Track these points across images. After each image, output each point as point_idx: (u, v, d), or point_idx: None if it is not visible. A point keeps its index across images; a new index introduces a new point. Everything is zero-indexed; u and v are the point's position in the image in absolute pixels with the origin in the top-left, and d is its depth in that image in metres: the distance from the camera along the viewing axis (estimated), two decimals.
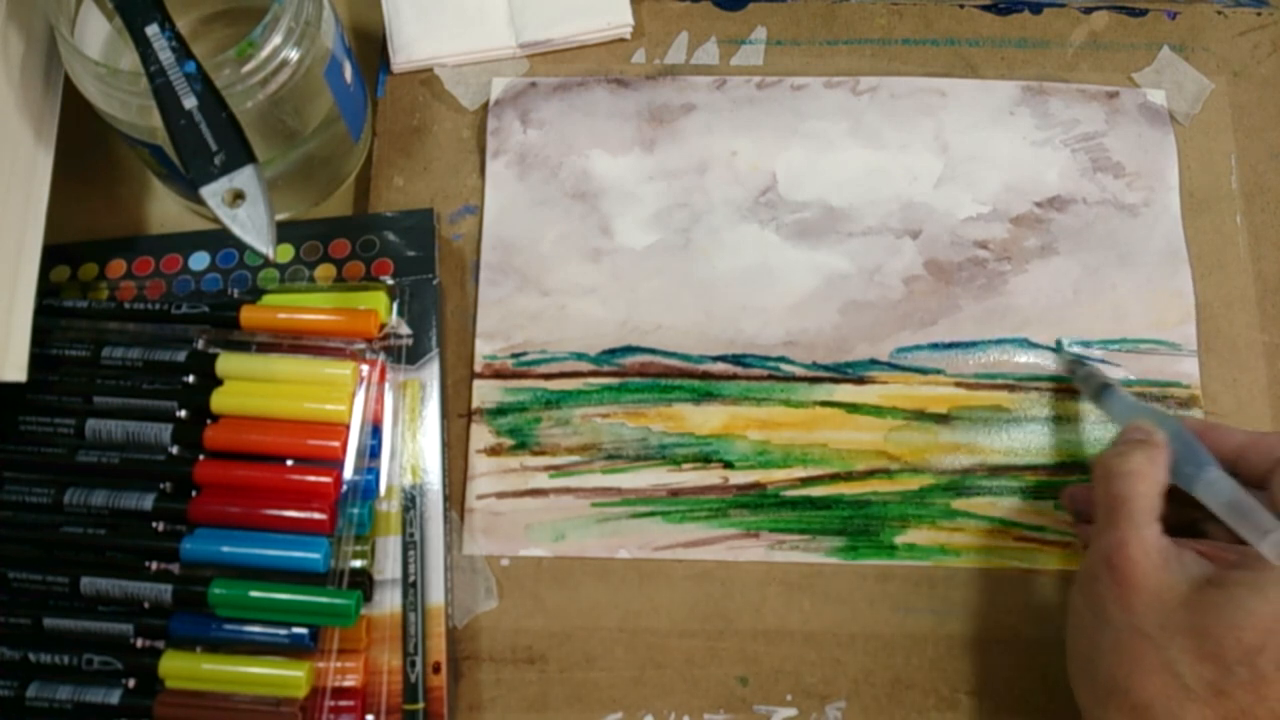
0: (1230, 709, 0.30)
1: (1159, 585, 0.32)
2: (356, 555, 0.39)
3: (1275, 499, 0.34)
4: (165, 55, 0.35)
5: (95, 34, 0.42)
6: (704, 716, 0.40)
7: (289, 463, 0.40)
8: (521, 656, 0.41)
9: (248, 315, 0.42)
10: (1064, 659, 0.40)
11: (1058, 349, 0.44)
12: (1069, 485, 0.42)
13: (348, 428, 0.40)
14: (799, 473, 0.43)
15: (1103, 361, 0.44)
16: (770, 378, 0.44)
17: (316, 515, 0.39)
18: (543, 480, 0.43)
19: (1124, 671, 0.32)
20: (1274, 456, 0.35)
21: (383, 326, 0.43)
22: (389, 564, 0.40)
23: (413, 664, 0.39)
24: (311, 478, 0.39)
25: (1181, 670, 0.31)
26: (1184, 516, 0.36)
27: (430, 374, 0.43)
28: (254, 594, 0.38)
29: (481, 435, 0.43)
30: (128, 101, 0.38)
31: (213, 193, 0.35)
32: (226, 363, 0.41)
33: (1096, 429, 0.43)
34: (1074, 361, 0.43)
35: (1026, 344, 0.44)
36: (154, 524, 0.39)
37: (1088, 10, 0.49)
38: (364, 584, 0.39)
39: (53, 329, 0.43)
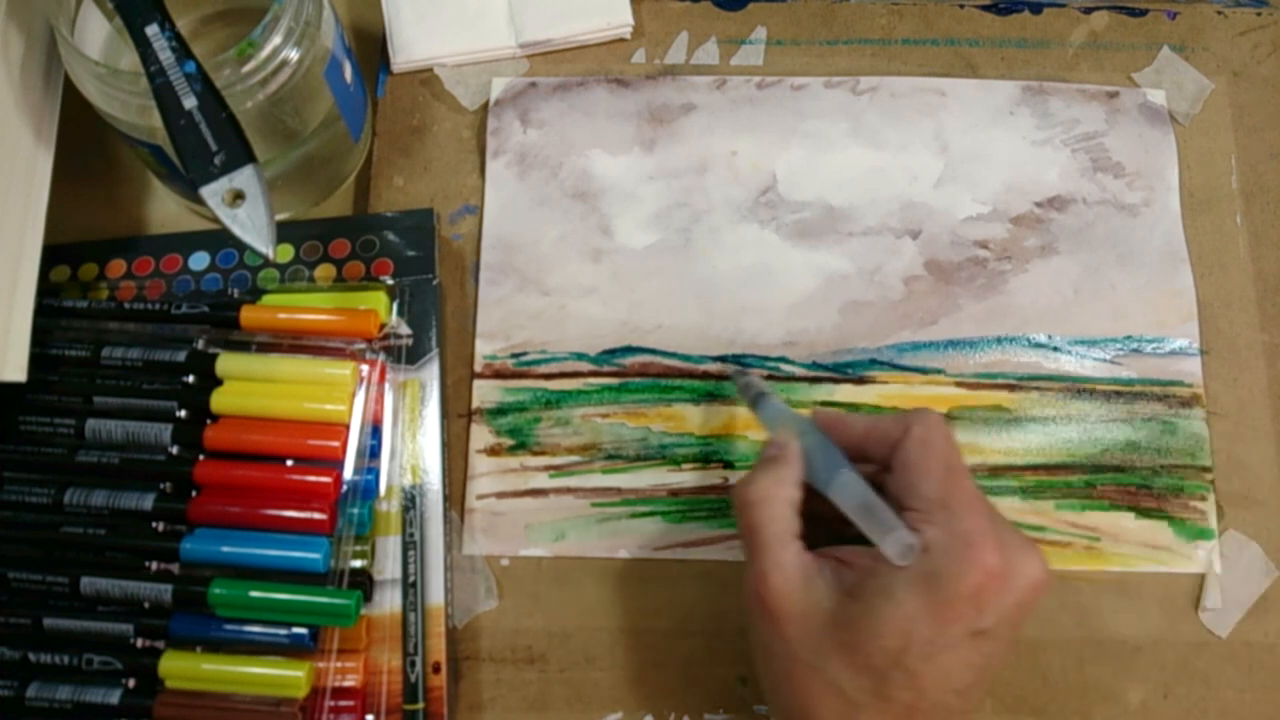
0: (898, 710, 0.31)
1: (804, 610, 0.32)
2: (356, 555, 0.39)
3: (896, 486, 0.33)
4: (165, 55, 0.35)
5: (95, 34, 0.42)
6: (704, 716, 0.40)
7: (289, 463, 0.40)
8: (521, 656, 0.41)
9: (248, 315, 0.42)
10: (1064, 658, 0.40)
11: (724, 359, 0.44)
12: None
13: (348, 428, 0.40)
14: None
15: (1105, 360, 0.44)
16: (770, 378, 0.44)
17: (316, 515, 0.39)
18: (543, 480, 0.43)
19: (799, 701, 0.32)
20: (889, 442, 0.34)
21: (383, 326, 0.43)
22: (389, 564, 0.40)
23: (413, 664, 0.39)
24: (311, 478, 0.39)
25: (844, 686, 0.31)
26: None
27: (430, 374, 0.43)
28: (254, 594, 0.38)
29: (481, 435, 0.43)
30: (128, 101, 0.38)
31: (213, 193, 0.35)
32: (226, 363, 0.41)
33: (1098, 429, 0.43)
34: (736, 371, 0.43)
35: (1027, 343, 0.44)
36: (154, 524, 0.39)
37: (1088, 10, 0.49)
38: (364, 584, 0.39)
39: (53, 329, 0.43)
